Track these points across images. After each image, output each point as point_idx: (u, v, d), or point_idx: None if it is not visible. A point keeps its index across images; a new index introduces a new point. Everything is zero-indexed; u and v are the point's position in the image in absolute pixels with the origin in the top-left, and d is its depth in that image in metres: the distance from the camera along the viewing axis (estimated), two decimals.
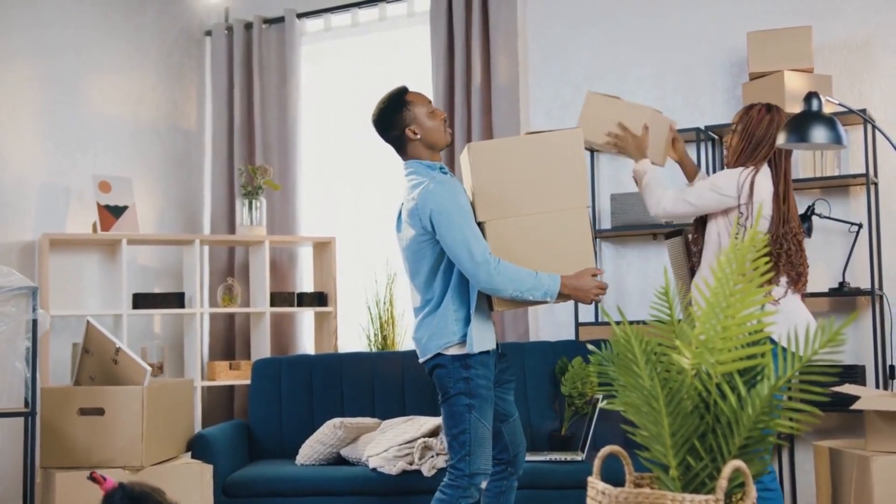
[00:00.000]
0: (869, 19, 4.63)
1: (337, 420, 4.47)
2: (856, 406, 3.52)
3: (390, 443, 4.24)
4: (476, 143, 3.48)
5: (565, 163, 3.38)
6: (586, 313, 5.04)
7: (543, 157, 3.38)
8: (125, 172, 5.57)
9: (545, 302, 3.32)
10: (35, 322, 3.80)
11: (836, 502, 3.71)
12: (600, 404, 2.73)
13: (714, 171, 4.71)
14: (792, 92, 4.32)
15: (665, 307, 2.37)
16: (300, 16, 5.88)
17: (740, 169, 3.56)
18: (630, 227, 4.81)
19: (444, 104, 5.32)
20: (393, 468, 4.15)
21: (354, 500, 4.20)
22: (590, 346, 2.63)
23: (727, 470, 2.04)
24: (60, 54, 5.35)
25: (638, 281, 5.04)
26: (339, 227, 5.82)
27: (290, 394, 4.84)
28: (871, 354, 4.45)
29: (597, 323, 4.99)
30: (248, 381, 5.19)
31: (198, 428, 5.08)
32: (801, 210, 4.30)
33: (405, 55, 5.74)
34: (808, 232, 4.38)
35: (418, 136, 3.39)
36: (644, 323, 2.43)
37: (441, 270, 3.34)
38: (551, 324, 5.20)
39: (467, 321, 3.32)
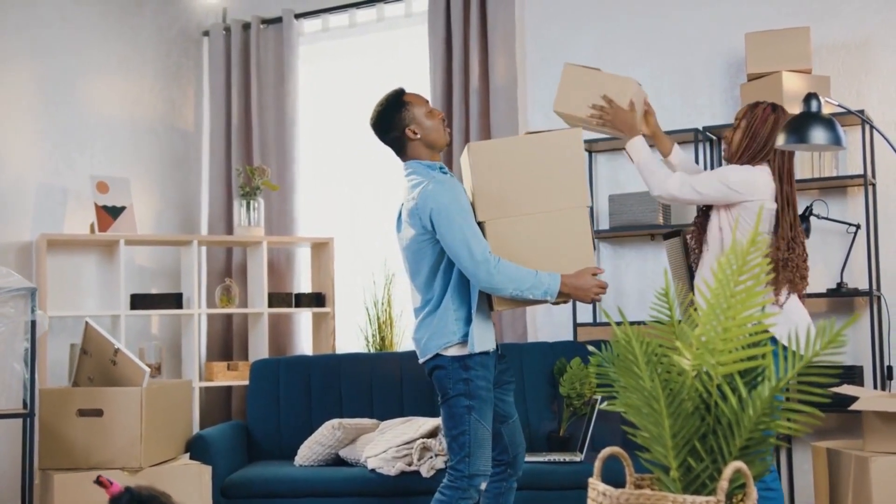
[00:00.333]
0: (867, 20, 4.63)
1: (335, 421, 4.47)
2: (854, 407, 3.52)
3: (389, 444, 4.23)
4: (476, 143, 3.48)
5: (565, 162, 3.39)
6: (584, 314, 5.05)
7: (543, 157, 3.39)
8: (123, 173, 5.57)
9: (545, 301, 3.32)
10: (34, 323, 3.80)
11: (834, 503, 3.71)
12: (601, 406, 2.73)
13: None
14: (790, 93, 4.32)
15: (665, 308, 2.37)
16: (298, 16, 5.88)
17: (750, 167, 3.55)
18: (628, 227, 4.81)
19: (442, 105, 5.32)
20: (392, 469, 4.15)
21: (353, 501, 4.19)
22: (590, 348, 2.63)
23: (728, 471, 2.04)
24: (58, 55, 5.34)
25: (636, 281, 5.04)
26: (336, 228, 5.82)
27: (289, 395, 4.84)
28: (869, 355, 4.45)
29: (595, 323, 4.99)
30: (246, 382, 5.19)
31: (195, 429, 5.07)
32: (800, 211, 4.31)
33: (403, 56, 5.74)
34: (807, 233, 4.38)
35: (418, 136, 3.39)
36: (643, 324, 2.43)
37: (441, 270, 3.34)
38: (549, 324, 5.20)
39: (467, 321, 3.32)
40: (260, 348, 5.48)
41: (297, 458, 4.50)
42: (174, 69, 6.01)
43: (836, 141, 3.29)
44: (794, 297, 3.53)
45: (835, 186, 4.59)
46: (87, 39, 5.52)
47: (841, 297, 4.54)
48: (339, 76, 5.93)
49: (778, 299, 3.46)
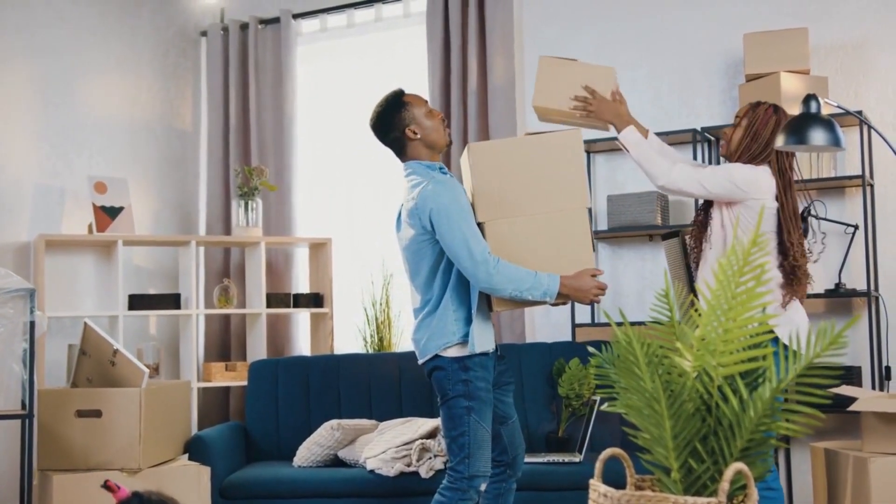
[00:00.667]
0: (865, 21, 4.64)
1: (334, 422, 4.47)
2: (853, 407, 3.52)
3: (388, 444, 4.23)
4: (476, 143, 3.48)
5: (565, 163, 3.39)
6: (583, 314, 5.05)
7: (543, 158, 3.39)
8: (121, 173, 5.56)
9: (544, 302, 3.32)
10: (33, 324, 3.79)
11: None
12: (602, 407, 2.73)
13: None
14: (788, 93, 4.33)
15: (665, 309, 2.37)
16: (296, 16, 5.87)
17: (752, 166, 3.54)
18: (626, 228, 4.81)
19: (441, 105, 5.32)
20: (391, 470, 4.15)
21: (352, 501, 4.19)
22: (590, 349, 2.63)
23: (729, 472, 2.05)
24: (56, 55, 5.34)
25: (634, 282, 5.05)
26: (335, 228, 5.82)
27: (287, 395, 4.83)
28: (867, 355, 4.46)
29: (593, 324, 4.99)
30: (244, 383, 5.19)
31: (194, 429, 5.07)
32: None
33: (401, 56, 5.74)
34: (805, 233, 4.38)
35: (418, 136, 3.40)
36: (642, 324, 2.43)
37: (441, 270, 3.34)
38: (548, 325, 5.20)
39: (467, 321, 3.32)
40: (258, 349, 5.48)
41: (295, 458, 4.50)
42: (172, 69, 6.01)
43: (836, 142, 3.29)
44: (796, 299, 3.54)
45: (833, 187, 4.60)
46: (85, 40, 5.51)
47: (839, 298, 4.55)
48: (337, 76, 5.93)
49: (784, 301, 3.48)
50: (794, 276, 3.49)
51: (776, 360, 3.13)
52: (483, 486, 3.34)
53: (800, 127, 3.29)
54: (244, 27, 5.97)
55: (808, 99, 3.34)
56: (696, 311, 2.31)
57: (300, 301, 5.53)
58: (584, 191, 3.40)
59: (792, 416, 2.12)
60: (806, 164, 4.52)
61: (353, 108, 5.75)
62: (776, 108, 3.61)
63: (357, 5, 5.75)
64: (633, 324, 2.58)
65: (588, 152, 5.08)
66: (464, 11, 5.34)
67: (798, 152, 4.39)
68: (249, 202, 5.51)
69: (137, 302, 5.25)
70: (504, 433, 3.49)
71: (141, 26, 5.83)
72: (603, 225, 5.05)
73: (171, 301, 5.33)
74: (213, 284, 5.73)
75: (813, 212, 3.93)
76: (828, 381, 2.10)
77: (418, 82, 5.40)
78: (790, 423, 2.14)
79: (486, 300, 3.36)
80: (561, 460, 4.22)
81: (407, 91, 3.47)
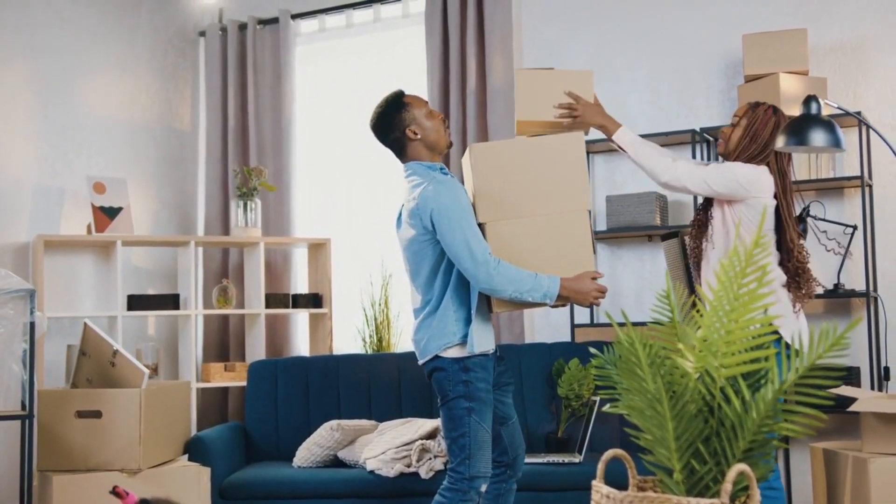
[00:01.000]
0: (864, 22, 4.65)
1: (334, 422, 4.47)
2: (853, 408, 3.53)
3: (388, 445, 4.23)
4: (478, 144, 3.47)
5: (566, 165, 3.39)
6: (582, 315, 5.05)
7: (544, 160, 3.39)
8: (119, 173, 5.56)
9: (544, 304, 3.32)
10: (33, 325, 3.79)
11: None
12: (603, 408, 2.73)
13: None
14: (787, 94, 4.33)
15: (666, 310, 2.38)
16: (294, 17, 5.87)
17: (753, 165, 3.54)
18: (625, 228, 4.81)
19: (440, 105, 5.32)
20: (390, 470, 4.15)
21: (352, 502, 4.19)
22: (591, 350, 2.63)
23: (732, 473, 2.05)
24: (54, 55, 5.33)
25: (633, 282, 5.05)
26: (334, 229, 5.82)
27: (287, 396, 4.83)
28: (866, 356, 4.47)
29: (592, 325, 5.00)
30: (243, 383, 5.19)
31: (193, 430, 5.07)
32: (797, 212, 4.32)
33: (400, 56, 5.74)
34: (804, 234, 4.39)
35: (418, 137, 3.40)
36: (642, 325, 2.44)
37: (441, 271, 3.35)
38: (547, 326, 5.21)
39: (467, 322, 3.32)
40: (257, 349, 5.48)
41: (295, 459, 4.50)
42: (171, 70, 6.01)
43: (836, 143, 3.30)
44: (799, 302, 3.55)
45: (832, 188, 4.60)
46: (84, 40, 5.51)
47: (838, 298, 4.55)
48: (336, 77, 5.93)
49: (794, 307, 3.49)
50: (799, 277, 3.50)
51: (779, 361, 3.14)
52: (483, 487, 3.34)
53: (800, 128, 3.30)
54: (243, 27, 5.97)
55: (809, 100, 3.35)
56: (697, 311, 2.31)
57: (299, 301, 5.53)
58: (585, 193, 3.40)
59: (793, 417, 2.13)
60: (805, 165, 4.53)
61: (351, 109, 5.75)
62: (775, 110, 3.61)
63: (356, 6, 5.75)
64: (633, 324, 2.58)
65: (587, 152, 5.07)
66: (463, 12, 5.34)
67: (797, 153, 4.40)
68: (248, 202, 5.51)
69: (136, 302, 5.25)
70: (504, 434, 3.49)
71: (140, 26, 5.82)
72: (602, 225, 5.06)
73: (170, 301, 5.33)
74: (212, 285, 5.73)
75: (811, 213, 3.94)
76: (829, 381, 2.10)
77: (417, 83, 5.41)
78: (791, 424, 2.14)
79: (486, 301, 3.36)
80: (560, 461, 4.22)
81: (407, 92, 3.48)
